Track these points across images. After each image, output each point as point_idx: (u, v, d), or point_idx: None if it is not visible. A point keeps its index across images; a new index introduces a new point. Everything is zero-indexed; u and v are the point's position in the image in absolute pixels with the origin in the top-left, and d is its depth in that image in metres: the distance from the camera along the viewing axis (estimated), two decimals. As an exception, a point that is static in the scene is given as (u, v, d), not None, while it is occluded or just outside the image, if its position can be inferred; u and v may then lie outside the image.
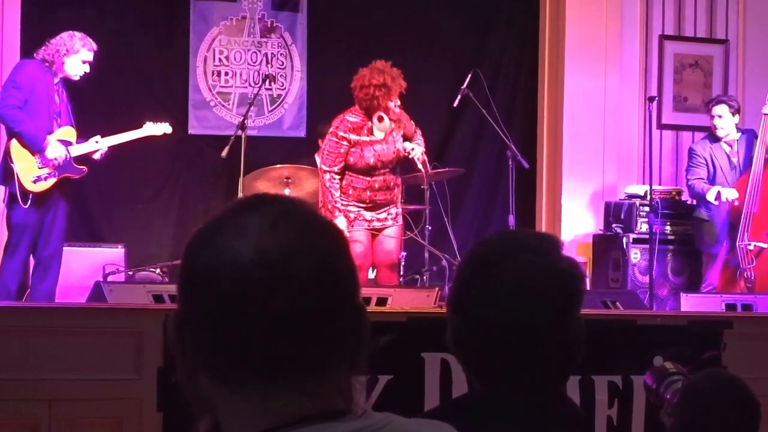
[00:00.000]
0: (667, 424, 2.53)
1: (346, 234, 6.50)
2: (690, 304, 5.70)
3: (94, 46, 6.75)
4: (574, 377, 4.02)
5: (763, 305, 5.73)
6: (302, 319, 1.22)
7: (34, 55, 6.77)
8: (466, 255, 1.93)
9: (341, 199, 6.56)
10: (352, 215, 6.60)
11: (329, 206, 6.55)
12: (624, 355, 4.27)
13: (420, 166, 6.65)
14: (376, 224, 6.68)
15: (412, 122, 6.83)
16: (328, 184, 6.55)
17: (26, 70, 6.68)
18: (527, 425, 1.73)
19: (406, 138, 6.72)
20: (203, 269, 1.25)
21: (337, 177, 6.57)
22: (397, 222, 6.74)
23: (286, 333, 1.22)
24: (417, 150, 6.65)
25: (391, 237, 6.71)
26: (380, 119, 6.58)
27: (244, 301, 1.21)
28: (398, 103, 6.58)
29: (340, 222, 6.51)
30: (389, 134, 6.63)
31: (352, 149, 6.53)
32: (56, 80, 6.68)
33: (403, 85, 6.56)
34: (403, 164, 6.84)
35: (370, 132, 6.58)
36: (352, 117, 6.58)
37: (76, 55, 6.67)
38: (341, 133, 6.53)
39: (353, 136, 6.53)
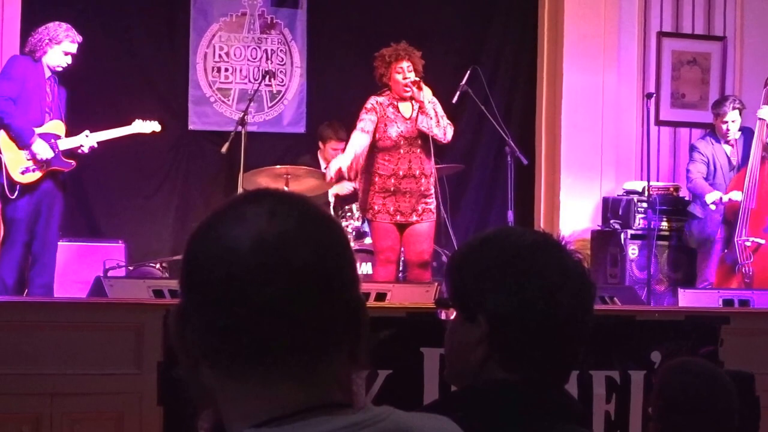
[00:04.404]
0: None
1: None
2: (688, 299, 5.71)
3: (79, 38, 6.74)
4: (572, 372, 4.04)
5: (760, 301, 5.75)
6: (297, 307, 1.24)
7: (24, 51, 6.79)
8: (483, 247, 1.82)
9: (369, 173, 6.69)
10: (376, 207, 6.65)
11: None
12: (622, 350, 4.29)
13: (429, 110, 6.60)
14: (399, 218, 6.65)
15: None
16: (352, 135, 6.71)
17: (18, 64, 6.69)
18: (525, 418, 1.74)
19: None
20: (202, 258, 1.27)
21: (364, 135, 6.60)
22: (424, 219, 6.68)
23: (280, 319, 1.23)
24: (427, 95, 6.67)
25: (420, 234, 6.66)
26: (419, 87, 6.65)
27: (239, 286, 1.23)
28: (412, 75, 6.64)
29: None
30: (415, 115, 6.66)
31: (379, 124, 6.63)
32: (47, 74, 6.69)
33: (418, 60, 6.66)
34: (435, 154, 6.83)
35: (397, 110, 6.65)
36: (380, 97, 6.71)
37: (58, 46, 6.66)
38: (371, 100, 6.68)
39: (381, 111, 6.66)
